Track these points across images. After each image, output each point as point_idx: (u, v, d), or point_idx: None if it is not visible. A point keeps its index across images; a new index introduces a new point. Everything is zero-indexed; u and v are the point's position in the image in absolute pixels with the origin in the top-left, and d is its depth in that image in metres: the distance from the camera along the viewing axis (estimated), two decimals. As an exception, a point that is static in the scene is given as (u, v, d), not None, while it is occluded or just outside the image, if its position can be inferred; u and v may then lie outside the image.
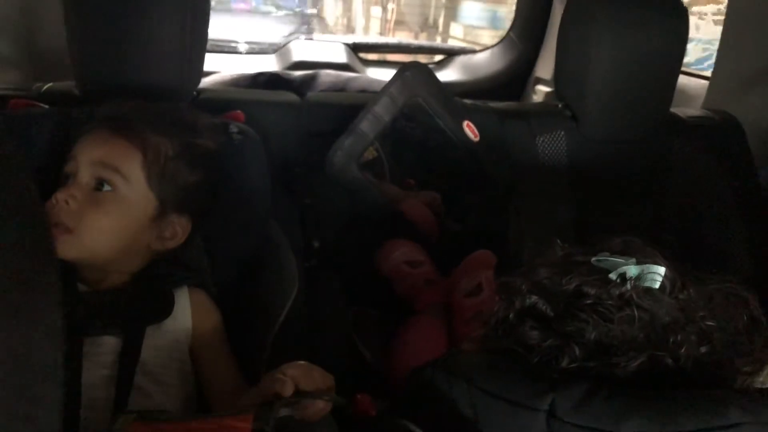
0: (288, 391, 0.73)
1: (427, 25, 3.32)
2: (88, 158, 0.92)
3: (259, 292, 1.04)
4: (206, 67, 1.29)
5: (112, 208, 0.92)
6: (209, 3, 1.18)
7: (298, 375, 0.75)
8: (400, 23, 3.31)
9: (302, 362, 0.78)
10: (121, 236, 0.92)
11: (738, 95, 1.57)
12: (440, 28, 3.40)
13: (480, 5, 3.31)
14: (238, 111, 1.17)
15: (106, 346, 0.88)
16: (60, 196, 0.89)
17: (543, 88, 2.14)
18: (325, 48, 2.12)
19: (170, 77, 1.14)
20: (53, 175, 0.99)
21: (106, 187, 0.92)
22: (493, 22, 3.02)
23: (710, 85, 1.66)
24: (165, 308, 0.93)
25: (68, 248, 0.89)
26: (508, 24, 2.29)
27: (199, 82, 1.24)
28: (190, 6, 1.12)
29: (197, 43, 1.16)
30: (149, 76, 1.12)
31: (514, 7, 2.22)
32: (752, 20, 1.54)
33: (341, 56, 2.09)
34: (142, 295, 0.93)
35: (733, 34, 1.58)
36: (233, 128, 1.09)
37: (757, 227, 1.45)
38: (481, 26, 3.23)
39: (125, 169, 0.93)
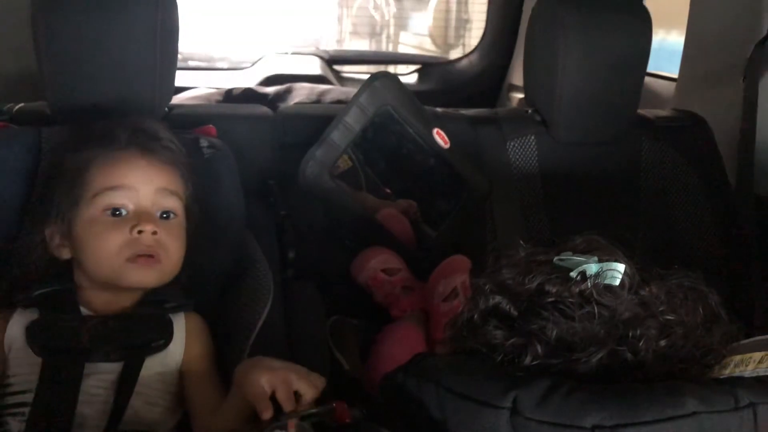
0: (267, 416, 0.76)
1: (376, 34, 3.45)
2: (150, 187, 0.94)
3: (235, 305, 1.05)
4: (181, 83, 1.30)
5: (180, 234, 0.96)
6: (178, 20, 1.18)
7: (287, 389, 0.78)
8: (353, 33, 3.45)
9: (295, 370, 0.80)
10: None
11: (704, 95, 1.60)
12: (391, 37, 3.57)
13: (425, 14, 3.51)
14: (210, 125, 1.18)
15: (104, 367, 0.89)
16: (148, 227, 0.91)
17: (517, 95, 2.17)
18: (299, 61, 2.14)
19: (141, 94, 1.15)
20: (24, 193, 1.00)
21: (171, 215, 0.96)
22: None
23: (677, 86, 1.69)
24: (165, 338, 0.93)
25: (156, 277, 0.93)
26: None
27: (170, 98, 1.25)
28: (160, 23, 1.13)
29: (167, 59, 1.17)
30: (120, 93, 1.13)
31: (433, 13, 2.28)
32: (715, 20, 1.57)
33: (315, 69, 2.10)
34: (144, 322, 0.94)
35: (698, 35, 1.61)
36: (203, 143, 1.10)
37: (727, 225, 1.47)
38: (426, 34, 3.42)
39: (180, 192, 0.97)
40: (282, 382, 0.78)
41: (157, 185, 0.94)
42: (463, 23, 3.35)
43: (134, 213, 0.92)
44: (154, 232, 0.91)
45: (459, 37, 3.36)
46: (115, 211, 0.92)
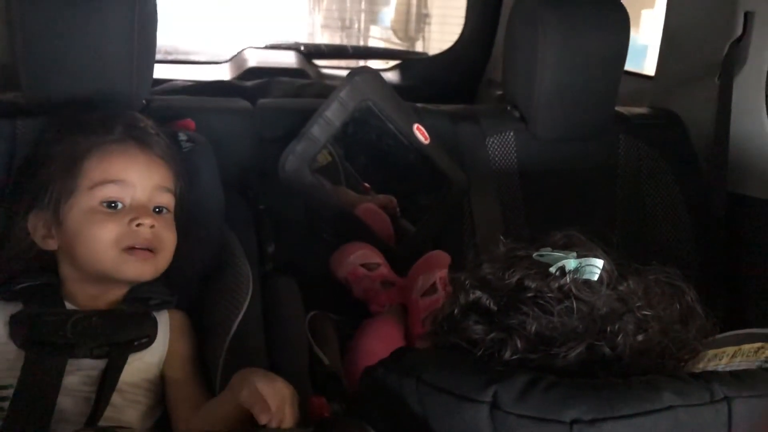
0: (265, 419, 0.75)
1: (346, 27, 3.51)
2: (149, 183, 0.94)
3: (213, 301, 1.04)
4: (159, 76, 1.29)
5: (173, 228, 0.96)
6: (156, 12, 1.17)
7: (280, 400, 0.77)
8: (324, 27, 3.51)
9: (290, 388, 0.79)
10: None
11: (680, 93, 1.61)
12: (362, 30, 3.65)
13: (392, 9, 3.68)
14: (189, 119, 1.17)
15: (87, 363, 0.88)
16: (147, 221, 0.91)
17: (496, 92, 2.17)
18: (279, 55, 2.12)
19: (119, 86, 1.13)
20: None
21: (164, 211, 0.96)
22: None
23: (653, 84, 1.71)
24: (149, 336, 0.93)
25: (152, 271, 0.93)
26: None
27: (148, 90, 1.23)
28: (138, 15, 1.11)
29: (145, 51, 1.15)
30: (98, 85, 1.12)
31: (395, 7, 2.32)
32: (691, 19, 1.59)
33: (294, 62, 2.10)
34: (129, 319, 0.93)
35: (675, 33, 1.63)
36: (182, 136, 1.09)
37: (701, 221, 1.50)
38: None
39: (174, 189, 0.98)
40: (276, 392, 0.77)
41: (155, 182, 0.95)
42: (423, 18, 3.45)
43: (130, 207, 0.92)
44: (152, 226, 0.91)
45: (419, 31, 3.45)
46: (110, 204, 0.91)
